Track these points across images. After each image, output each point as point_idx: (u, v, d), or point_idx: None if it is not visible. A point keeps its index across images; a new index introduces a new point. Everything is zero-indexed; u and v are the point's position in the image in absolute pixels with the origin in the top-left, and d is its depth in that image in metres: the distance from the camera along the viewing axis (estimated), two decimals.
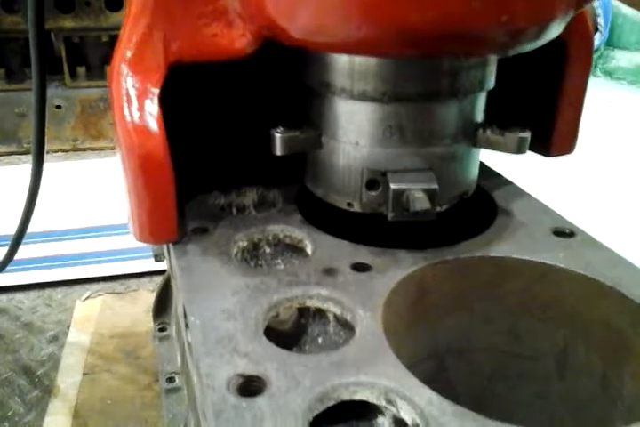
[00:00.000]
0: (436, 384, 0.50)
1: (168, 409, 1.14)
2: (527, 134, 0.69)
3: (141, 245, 1.73)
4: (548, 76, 0.82)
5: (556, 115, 0.83)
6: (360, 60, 0.63)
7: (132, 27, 0.64)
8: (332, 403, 0.49)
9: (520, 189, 0.82)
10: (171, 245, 0.69)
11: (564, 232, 0.71)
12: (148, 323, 1.40)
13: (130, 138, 0.62)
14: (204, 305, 0.59)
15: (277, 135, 0.68)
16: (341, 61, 0.64)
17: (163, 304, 1.37)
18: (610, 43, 3.82)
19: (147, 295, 1.56)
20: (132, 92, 0.63)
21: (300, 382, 0.49)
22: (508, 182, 0.84)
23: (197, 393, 0.59)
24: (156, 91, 0.63)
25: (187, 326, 0.63)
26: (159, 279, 1.60)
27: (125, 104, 0.63)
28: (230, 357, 0.52)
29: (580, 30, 0.78)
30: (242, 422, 0.45)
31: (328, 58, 0.65)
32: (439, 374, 0.72)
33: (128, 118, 0.62)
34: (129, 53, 0.63)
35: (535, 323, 0.68)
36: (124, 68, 0.63)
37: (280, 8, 0.59)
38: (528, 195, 0.80)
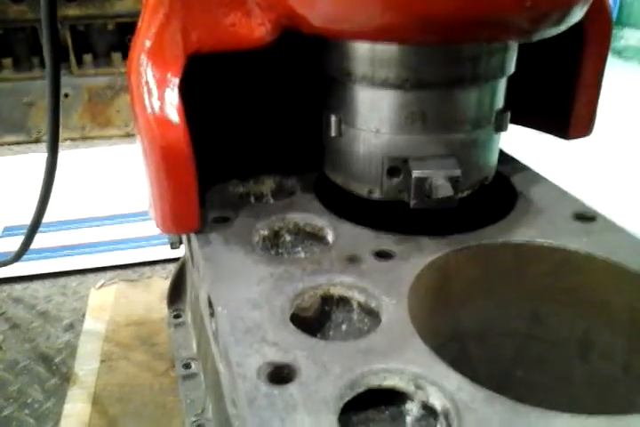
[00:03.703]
0: (458, 369, 0.50)
1: (186, 395, 1.15)
2: (507, 113, 0.71)
3: (153, 232, 1.73)
4: (565, 57, 0.82)
5: (574, 97, 0.83)
6: (381, 48, 0.63)
7: (150, 17, 0.64)
8: (361, 390, 0.49)
9: (538, 173, 0.82)
10: (193, 234, 0.69)
11: (586, 217, 0.71)
12: (162, 310, 1.41)
13: (151, 129, 0.62)
14: (230, 295, 0.59)
15: (333, 117, 0.70)
16: (362, 49, 0.64)
17: (177, 291, 1.38)
18: (618, 21, 3.77)
19: (160, 283, 1.57)
20: (152, 83, 0.63)
21: (330, 369, 0.50)
22: (526, 167, 0.84)
23: (225, 381, 0.60)
24: (177, 81, 0.63)
25: (212, 314, 0.63)
26: (172, 267, 1.60)
27: (146, 95, 0.62)
28: (259, 346, 0.52)
29: (598, 10, 0.77)
30: (274, 409, 0.46)
31: (348, 45, 0.65)
32: (461, 359, 0.73)
33: (149, 110, 0.62)
34: (148, 43, 0.63)
35: (558, 308, 0.69)
36: (144, 59, 0.63)
37: None
38: (546, 180, 0.80)
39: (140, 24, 0.65)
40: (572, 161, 2.12)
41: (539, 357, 0.72)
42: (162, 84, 0.63)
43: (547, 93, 0.86)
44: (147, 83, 0.63)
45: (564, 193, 0.77)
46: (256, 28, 0.65)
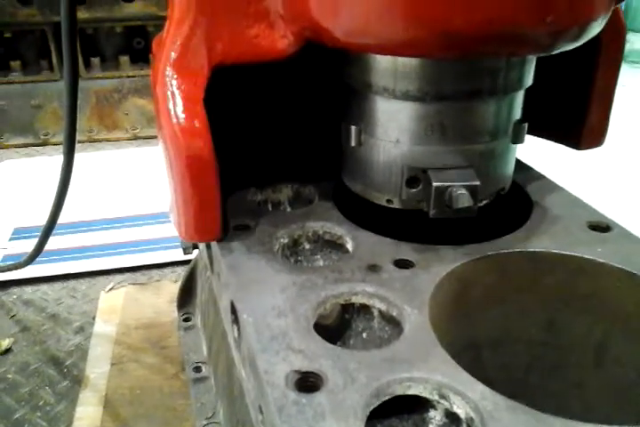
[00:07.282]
0: (473, 375, 0.51)
1: (196, 398, 1.16)
2: (524, 125, 0.72)
3: (161, 235, 1.74)
4: (578, 67, 0.83)
5: (587, 107, 0.84)
6: (403, 61, 0.64)
7: (175, 29, 0.65)
8: (386, 398, 0.50)
9: (553, 182, 0.83)
10: (215, 242, 0.70)
11: (600, 226, 0.72)
12: (171, 313, 1.42)
13: (177, 139, 0.63)
14: (255, 302, 0.60)
15: (354, 128, 0.71)
16: (384, 62, 0.65)
17: (187, 295, 1.39)
18: None
19: (170, 286, 1.58)
20: (178, 94, 0.64)
21: (356, 378, 0.51)
22: (541, 176, 0.84)
23: (249, 387, 0.61)
24: (201, 92, 0.64)
25: (234, 321, 0.64)
26: (181, 270, 1.62)
27: (171, 106, 0.63)
28: (286, 353, 0.53)
29: (613, 23, 0.78)
30: (303, 417, 0.47)
31: (370, 58, 0.66)
32: (476, 366, 0.74)
33: (174, 120, 0.63)
34: (173, 55, 0.64)
35: (573, 316, 0.70)
36: (170, 71, 0.64)
37: (324, 10, 0.60)
38: (561, 188, 0.81)
39: (164, 36, 0.66)
40: (579, 167, 2.12)
41: (553, 363, 0.73)
42: (187, 96, 0.64)
43: (559, 104, 0.87)
44: (172, 94, 0.64)
45: (578, 202, 0.78)
46: (279, 39, 0.66)
